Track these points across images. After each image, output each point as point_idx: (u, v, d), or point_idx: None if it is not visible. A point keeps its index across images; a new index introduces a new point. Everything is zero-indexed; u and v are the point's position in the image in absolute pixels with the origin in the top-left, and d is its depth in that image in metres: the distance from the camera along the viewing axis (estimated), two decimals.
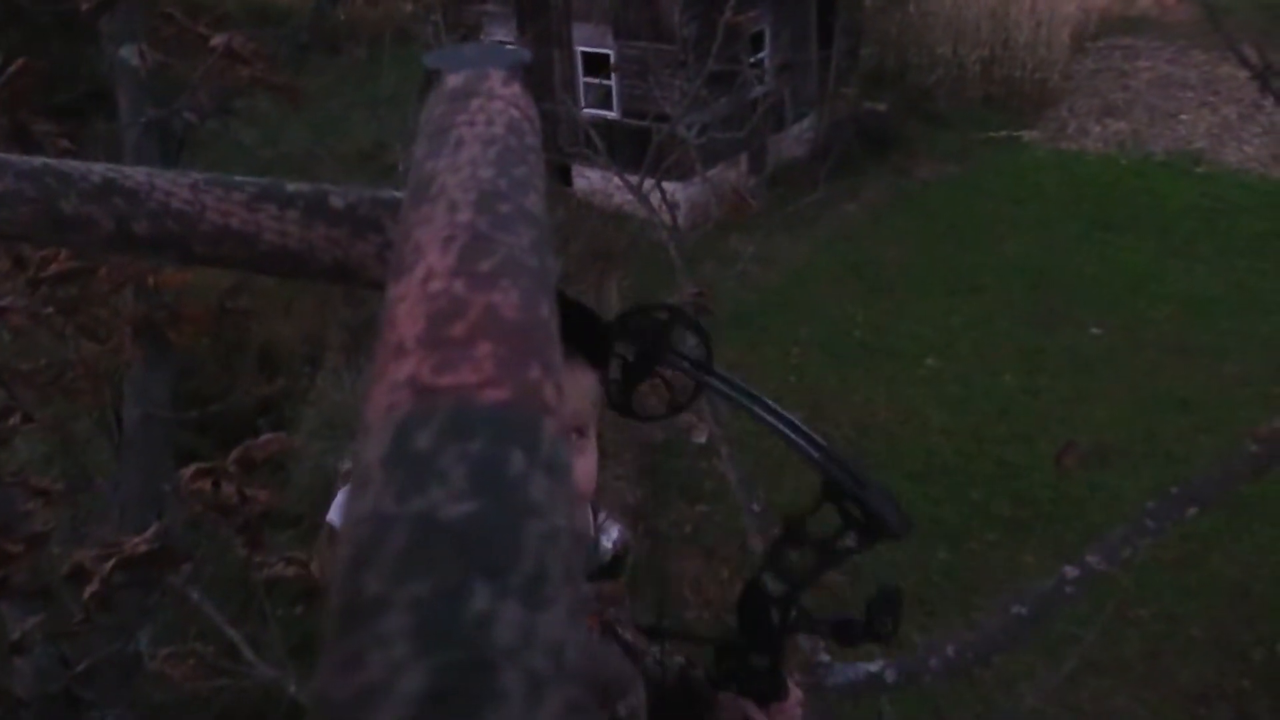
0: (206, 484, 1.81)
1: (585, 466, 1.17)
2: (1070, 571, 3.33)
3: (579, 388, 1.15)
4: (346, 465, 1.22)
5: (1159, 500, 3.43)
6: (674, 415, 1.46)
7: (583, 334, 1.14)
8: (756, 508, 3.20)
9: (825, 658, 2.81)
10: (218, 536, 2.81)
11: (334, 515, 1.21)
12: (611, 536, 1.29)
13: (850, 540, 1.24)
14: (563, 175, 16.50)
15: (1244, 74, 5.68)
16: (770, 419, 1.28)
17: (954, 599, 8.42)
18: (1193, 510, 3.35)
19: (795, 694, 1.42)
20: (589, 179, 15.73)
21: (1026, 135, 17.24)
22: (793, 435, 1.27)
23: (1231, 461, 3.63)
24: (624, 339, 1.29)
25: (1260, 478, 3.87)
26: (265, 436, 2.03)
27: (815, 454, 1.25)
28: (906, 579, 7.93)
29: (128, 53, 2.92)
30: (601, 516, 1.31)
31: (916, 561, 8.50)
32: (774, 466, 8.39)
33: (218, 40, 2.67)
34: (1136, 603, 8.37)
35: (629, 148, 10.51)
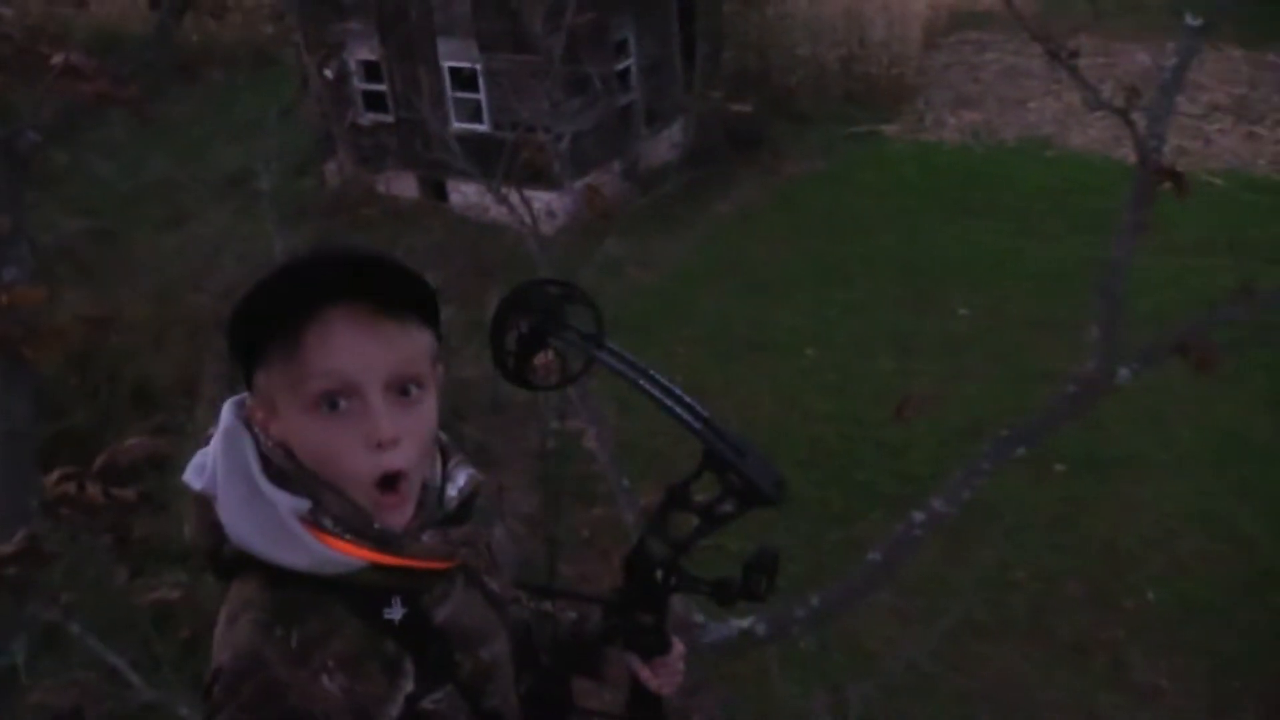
0: (70, 487, 1.81)
1: (426, 415, 1.24)
2: (917, 516, 3.54)
3: (415, 345, 1.23)
4: (210, 430, 1.27)
5: (992, 444, 3.65)
6: (566, 385, 1.52)
7: (416, 297, 1.22)
8: (626, 483, 3.31)
9: (700, 617, 2.93)
10: (94, 556, 2.78)
11: (190, 476, 1.25)
12: (458, 484, 1.34)
13: (729, 505, 1.30)
14: (438, 191, 16.41)
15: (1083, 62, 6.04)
16: (656, 392, 1.32)
17: (842, 575, 8.67)
18: (1021, 450, 3.58)
19: (678, 648, 1.51)
20: (464, 193, 15.69)
21: (887, 129, 17.85)
22: (677, 409, 1.31)
23: (1056, 403, 3.90)
24: (520, 312, 1.35)
25: (1081, 415, 4.16)
26: (131, 440, 2.04)
27: (697, 425, 1.30)
28: (800, 562, 8.16)
29: None
30: (452, 463, 1.36)
31: (809, 544, 8.73)
32: (662, 462, 8.55)
33: (57, 58, 2.65)
34: (1015, 565, 8.78)
35: (501, 160, 10.52)
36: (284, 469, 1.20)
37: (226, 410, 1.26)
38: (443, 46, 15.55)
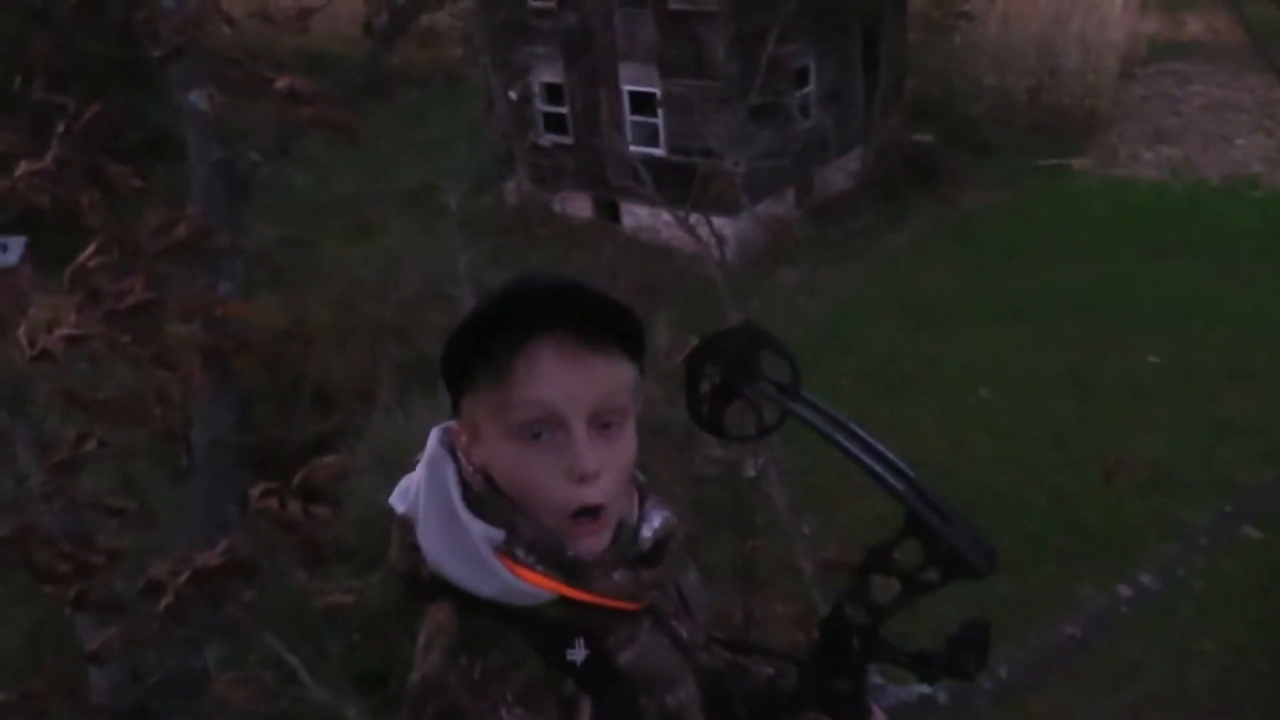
0: (273, 502, 1.89)
1: (626, 448, 1.24)
2: (1124, 591, 3.31)
3: (618, 378, 1.23)
4: (415, 457, 1.30)
5: (1213, 521, 3.39)
6: (764, 437, 1.49)
7: (622, 329, 1.22)
8: (806, 530, 3.22)
9: (879, 680, 2.82)
10: (279, 561, 2.90)
11: (395, 499, 1.27)
12: (653, 525, 1.33)
13: (933, 574, 1.24)
14: (611, 212, 16.67)
15: None
16: (855, 449, 1.25)
17: (1012, 631, 8.28)
18: (1247, 528, 3.31)
19: (878, 716, 1.45)
20: (636, 215, 15.88)
21: (1076, 163, 17.13)
22: (877, 467, 1.24)
23: None
24: (712, 361, 1.33)
25: None
26: (327, 458, 2.11)
27: (900, 487, 1.23)
28: (963, 612, 7.84)
29: (197, 97, 3.07)
30: (648, 504, 1.35)
31: (974, 596, 8.39)
32: (828, 497, 8.37)
33: (282, 82, 2.80)
34: (1202, 635, 8.19)
35: (676, 184, 10.60)
36: (483, 497, 1.22)
37: (432, 437, 1.29)
38: (624, 71, 15.82)
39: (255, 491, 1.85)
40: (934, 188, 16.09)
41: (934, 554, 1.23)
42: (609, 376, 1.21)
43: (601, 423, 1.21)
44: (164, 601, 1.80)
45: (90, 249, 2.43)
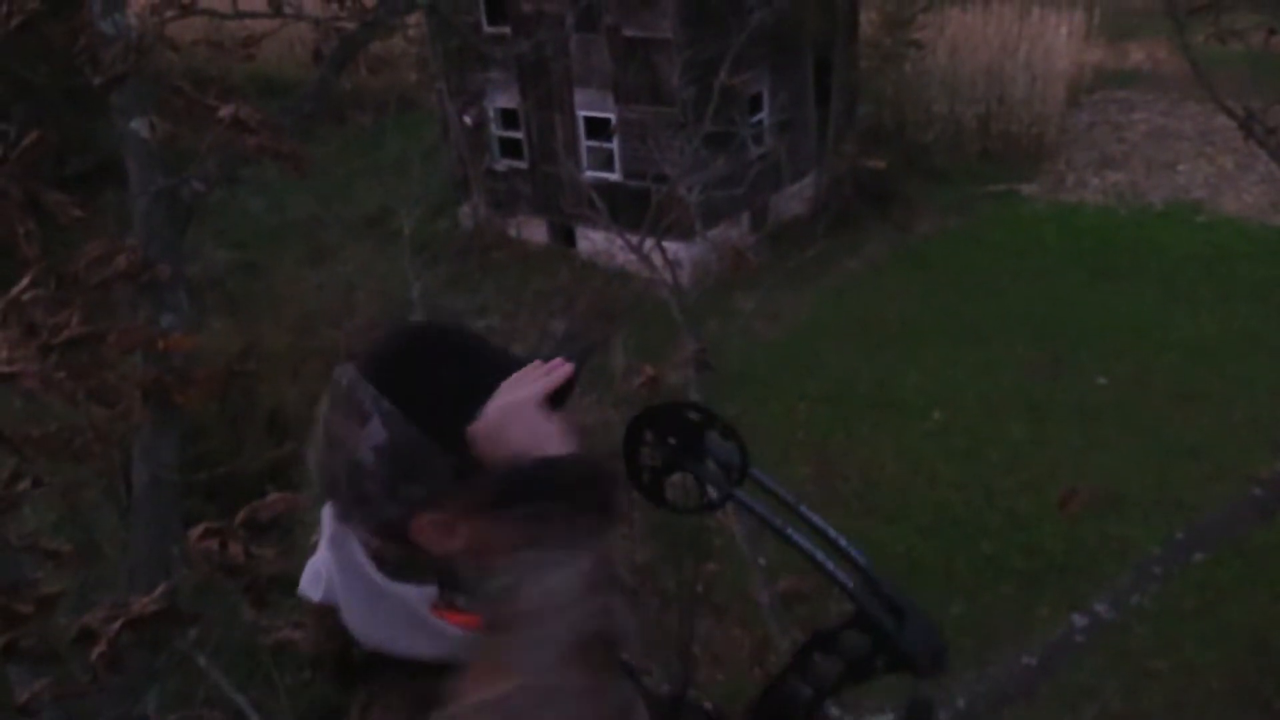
0: (214, 544, 1.82)
1: None
2: (1079, 620, 3.31)
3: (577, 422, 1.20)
4: (316, 537, 1.23)
5: (1165, 547, 3.41)
6: (707, 512, 1.46)
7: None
8: (762, 561, 3.20)
9: (834, 711, 2.79)
10: (225, 599, 2.81)
11: (307, 587, 1.20)
12: None
13: (879, 662, 1.23)
14: (567, 237, 16.66)
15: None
16: (801, 539, 1.22)
17: (969, 653, 8.30)
18: (1199, 555, 3.32)
19: None
20: (592, 240, 15.87)
21: (1025, 188, 17.40)
22: (826, 562, 1.21)
23: (1237, 506, 3.62)
24: (656, 431, 1.30)
25: (1266, 521, 3.86)
26: (272, 496, 2.05)
27: (849, 582, 1.21)
28: None
29: (138, 125, 3.00)
30: None
31: (932, 616, 8.41)
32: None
33: (225, 111, 2.74)
34: (1155, 654, 8.26)
35: (631, 209, 10.62)
36: (400, 561, 1.15)
37: (327, 515, 1.21)
38: (579, 96, 15.85)
39: (195, 532, 1.78)
40: (888, 213, 16.26)
41: (881, 647, 1.22)
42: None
43: None
44: (97, 650, 1.72)
45: (25, 281, 2.35)
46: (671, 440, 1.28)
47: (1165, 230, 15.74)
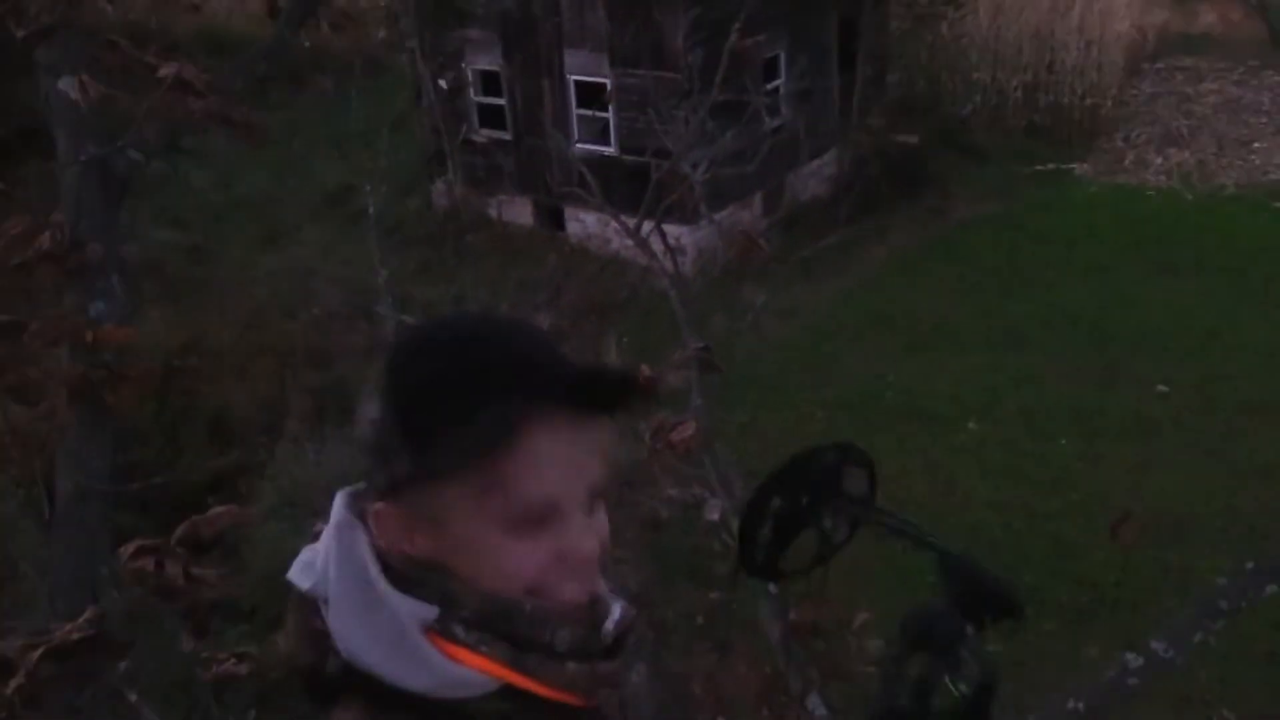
0: (149, 564, 1.82)
1: (604, 530, 1.23)
2: (1133, 661, 3.32)
3: (607, 447, 1.22)
4: (318, 525, 1.25)
5: (1234, 577, 3.42)
6: (823, 564, 1.53)
7: (615, 396, 1.20)
8: (773, 589, 3.21)
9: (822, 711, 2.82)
10: (161, 626, 2.81)
11: (297, 575, 1.22)
12: (614, 617, 1.31)
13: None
14: (554, 218, 16.67)
15: None
16: (941, 546, 1.39)
17: (1007, 697, 8.29)
18: (1272, 588, 3.34)
19: None
20: (584, 222, 15.89)
21: (1077, 168, 17.44)
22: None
23: None
24: (787, 489, 1.35)
25: None
26: (215, 510, 2.05)
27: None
28: None
29: (66, 84, 2.99)
30: (604, 589, 1.34)
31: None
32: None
33: (166, 70, 2.74)
34: (1221, 701, 8.29)
35: (628, 187, 10.62)
36: (408, 570, 1.17)
37: (338, 502, 1.24)
38: (570, 59, 15.85)
39: (126, 550, 1.78)
40: (919, 196, 16.28)
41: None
42: (602, 449, 1.21)
43: (594, 501, 1.21)
44: (14, 683, 1.72)
45: None
46: (805, 499, 1.34)
47: (1237, 218, 15.77)
